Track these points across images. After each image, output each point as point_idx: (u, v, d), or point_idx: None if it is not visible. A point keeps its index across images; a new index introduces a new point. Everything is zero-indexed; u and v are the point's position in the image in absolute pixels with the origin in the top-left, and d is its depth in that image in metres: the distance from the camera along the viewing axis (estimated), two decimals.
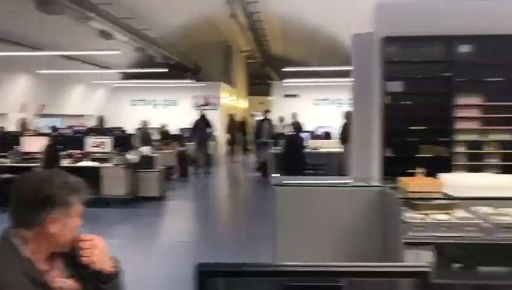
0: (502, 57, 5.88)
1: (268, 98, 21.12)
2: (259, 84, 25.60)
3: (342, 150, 10.49)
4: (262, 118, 14.28)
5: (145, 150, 9.75)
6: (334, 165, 11.02)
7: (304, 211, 3.69)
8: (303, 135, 10.98)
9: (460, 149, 6.05)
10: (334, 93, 17.87)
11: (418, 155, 6.02)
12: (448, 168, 5.83)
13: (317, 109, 18.26)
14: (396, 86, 6.03)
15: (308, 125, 14.49)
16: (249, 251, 5.96)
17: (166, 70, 15.21)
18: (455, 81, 5.89)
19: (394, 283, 1.05)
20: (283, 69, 17.28)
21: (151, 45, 13.11)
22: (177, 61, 15.83)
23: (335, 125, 12.96)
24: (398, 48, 6.03)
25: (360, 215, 3.74)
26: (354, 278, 1.00)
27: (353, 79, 7.19)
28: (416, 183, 3.44)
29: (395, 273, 1.03)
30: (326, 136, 13.57)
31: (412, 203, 3.33)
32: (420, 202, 3.27)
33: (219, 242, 6.83)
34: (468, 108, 5.97)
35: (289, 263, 0.98)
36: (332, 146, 11.45)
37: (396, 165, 5.50)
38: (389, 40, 5.97)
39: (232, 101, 21.26)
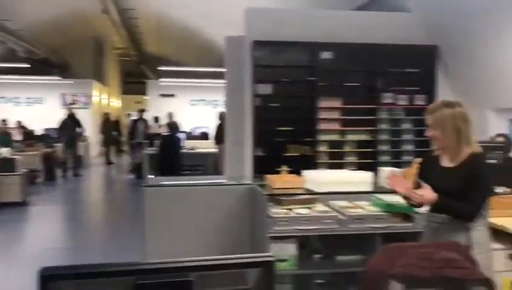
0: (359, 64, 6.47)
1: (145, 97, 20.62)
2: (134, 83, 24.85)
3: (217, 150, 10.65)
4: (136, 117, 13.90)
5: (4, 151, 8.94)
6: (211, 165, 11.14)
7: (174, 211, 3.70)
8: (179, 135, 10.93)
9: (323, 148, 6.54)
10: (211, 94, 18.05)
11: (286, 154, 6.38)
12: (313, 165, 6.27)
13: (194, 109, 18.28)
14: (265, 89, 6.31)
15: (185, 125, 14.44)
16: (122, 254, 5.79)
17: (29, 65, 14.07)
18: (318, 85, 6.35)
19: (242, 273, 1.12)
20: (159, 68, 17.04)
21: (11, 38, 12.05)
22: (43, 56, 14.73)
23: (212, 125, 13.10)
24: (267, 52, 6.32)
25: (230, 213, 3.85)
26: (203, 271, 1.06)
27: (226, 81, 7.38)
28: (281, 180, 3.65)
29: (242, 265, 1.10)
30: (203, 136, 13.67)
31: (277, 199, 3.53)
32: (284, 198, 3.48)
33: (90, 247, 6.52)
34: (329, 110, 6.47)
35: (138, 262, 1.00)
36: (209, 146, 11.56)
37: (266, 164, 5.77)
38: (258, 44, 6.23)
39: (104, 99, 20.36)
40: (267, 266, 1.12)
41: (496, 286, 2.04)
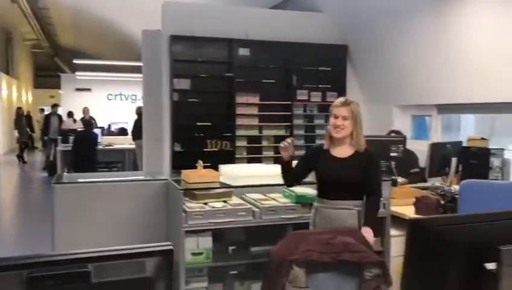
0: (275, 61, 6.66)
1: (60, 91, 19.66)
2: (48, 76, 23.58)
3: (135, 146, 10.44)
4: (50, 112, 13.25)
5: None
6: (130, 161, 10.89)
7: (84, 208, 3.61)
8: (95, 131, 10.58)
9: (242, 143, 6.66)
10: (129, 89, 17.61)
11: (205, 149, 6.41)
12: (232, 160, 6.37)
13: (111, 104, 17.74)
14: (183, 84, 6.30)
15: (102, 121, 13.99)
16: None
17: None
18: (236, 81, 6.45)
19: (142, 262, 1.16)
20: (75, 61, 16.31)
21: None
22: None
23: (130, 121, 12.80)
24: (184, 47, 6.31)
25: (145, 209, 3.83)
26: (101, 262, 1.08)
27: (143, 75, 7.27)
28: (196, 175, 3.69)
29: (140, 254, 1.14)
30: (121, 132, 13.31)
31: (192, 193, 3.56)
32: (199, 192, 3.52)
33: None
34: (247, 106, 6.60)
35: (32, 254, 1.01)
36: (127, 142, 11.30)
37: (185, 159, 5.77)
38: (176, 39, 6.21)
39: (14, 93, 19.15)
40: (166, 255, 1.16)
41: (389, 268, 2.22)
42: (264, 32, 6.45)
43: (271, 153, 6.75)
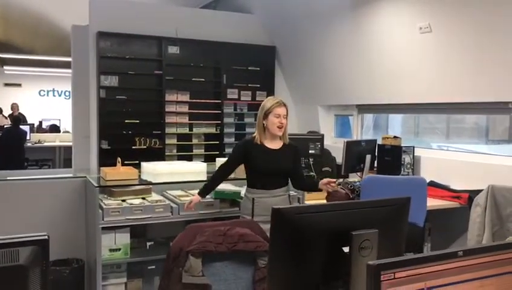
0: (205, 60, 6.75)
1: None
2: None
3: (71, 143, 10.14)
4: None
5: None
6: (61, 158, 10.59)
7: (1, 206, 3.55)
8: (23, 128, 10.21)
9: (172, 141, 6.69)
10: (63, 85, 17.00)
11: (134, 147, 6.40)
12: (161, 158, 6.39)
13: (43, 100, 17.08)
14: (111, 81, 6.25)
15: (33, 117, 13.49)
16: None
17: None
18: (165, 79, 6.48)
19: (17, 251, 1.23)
20: (1, 56, 15.55)
21: None
22: None
23: (63, 118, 12.44)
24: (112, 44, 6.26)
25: (64, 206, 3.82)
26: None
27: (72, 71, 7.12)
28: (114, 172, 3.72)
29: (15, 244, 1.21)
30: (53, 129, 12.90)
31: (110, 190, 3.60)
32: (117, 189, 3.56)
33: None
34: (177, 104, 6.64)
35: None
36: (59, 139, 10.97)
37: (113, 157, 5.73)
38: (103, 35, 6.15)
39: None
40: (41, 245, 1.24)
41: None
42: (194, 31, 6.52)
43: (201, 151, 6.83)
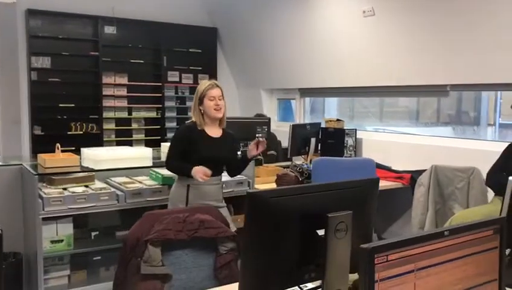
0: (143, 41, 6.49)
1: None
2: None
3: None
4: None
5: None
6: None
7: None
8: None
9: (110, 126, 6.41)
10: None
11: (69, 132, 6.07)
12: (99, 144, 6.11)
13: None
14: (43, 62, 5.86)
15: None
16: None
17: None
18: (102, 61, 6.17)
19: None
20: None
21: None
22: None
23: None
24: (43, 23, 5.86)
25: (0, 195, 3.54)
26: None
27: None
28: (53, 159, 3.48)
29: None
30: None
31: (50, 178, 3.37)
32: (57, 177, 3.34)
33: None
34: (115, 87, 6.36)
35: None
36: None
37: (47, 143, 5.42)
38: (33, 13, 5.75)
39: None
40: None
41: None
42: (132, 10, 6.25)
43: (142, 136, 6.61)
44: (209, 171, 2.88)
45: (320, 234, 1.46)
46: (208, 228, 2.08)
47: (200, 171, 2.84)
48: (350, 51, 5.08)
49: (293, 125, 4.94)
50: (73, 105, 6.05)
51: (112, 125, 6.42)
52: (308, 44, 5.56)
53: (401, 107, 5.79)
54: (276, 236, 1.40)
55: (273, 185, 3.97)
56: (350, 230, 1.46)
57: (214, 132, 3.03)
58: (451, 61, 4.07)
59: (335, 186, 1.48)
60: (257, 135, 3.04)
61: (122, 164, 3.86)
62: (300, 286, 1.53)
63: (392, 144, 4.85)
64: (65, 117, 6.02)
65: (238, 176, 3.83)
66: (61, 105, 5.98)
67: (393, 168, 4.65)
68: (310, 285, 1.57)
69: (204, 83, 3.08)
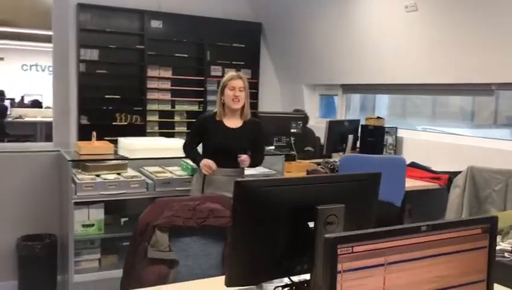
0: (188, 36, 6.60)
1: None
2: None
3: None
4: None
5: None
6: (42, 134, 10.41)
7: None
8: (3, 103, 10.01)
9: (153, 118, 6.58)
10: (46, 60, 16.67)
11: (114, 123, 6.28)
12: (142, 135, 6.29)
13: (26, 75, 16.74)
14: (92, 54, 6.10)
15: (15, 92, 13.22)
16: None
17: None
18: (147, 54, 6.33)
19: None
20: None
21: None
22: None
23: (45, 93, 12.21)
24: (93, 16, 6.09)
25: (39, 179, 3.73)
26: None
27: (53, 45, 6.93)
28: (89, 146, 3.62)
29: None
30: (35, 104, 12.68)
31: (84, 165, 3.51)
32: (91, 164, 3.48)
33: None
34: (159, 80, 6.51)
35: None
36: (41, 115, 10.78)
37: (92, 133, 5.62)
38: (83, 7, 5.98)
39: None
40: None
41: None
42: (178, 5, 6.36)
43: (184, 129, 6.73)
44: (214, 166, 2.92)
45: (311, 226, 1.44)
46: (217, 217, 2.09)
47: (206, 165, 2.90)
48: (391, 47, 4.94)
49: (329, 121, 4.88)
50: (118, 97, 6.26)
51: (156, 118, 6.59)
52: (350, 39, 5.46)
53: (454, 107, 5.54)
54: (266, 227, 1.39)
55: None
56: (342, 224, 1.42)
57: (233, 122, 3.05)
58: (495, 59, 3.86)
59: (329, 179, 1.45)
60: (238, 156, 3.00)
61: (155, 153, 3.96)
62: (291, 277, 1.51)
63: (435, 144, 4.68)
64: (110, 108, 6.23)
65: (266, 170, 3.83)
66: (107, 96, 6.19)
67: (433, 168, 4.48)
68: (304, 276, 1.55)
69: (229, 74, 3.12)
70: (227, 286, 1.41)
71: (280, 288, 1.52)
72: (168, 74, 6.53)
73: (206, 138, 3.07)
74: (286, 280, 1.53)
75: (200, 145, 3.24)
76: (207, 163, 2.97)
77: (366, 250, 0.99)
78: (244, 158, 2.99)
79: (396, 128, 5.04)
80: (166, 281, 1.92)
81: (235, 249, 1.39)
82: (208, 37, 6.65)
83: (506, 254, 2.08)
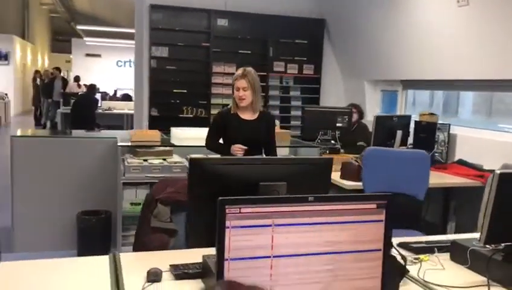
0: (252, 33, 6.89)
1: (71, 56, 20.15)
2: (65, 41, 24.06)
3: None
4: (54, 76, 13.74)
5: None
6: (128, 125, 11.29)
7: (44, 160, 4.01)
8: (96, 96, 11.02)
9: (217, 111, 6.94)
10: None
11: (181, 115, 6.75)
12: (206, 127, 6.68)
13: (120, 70, 18.16)
14: (162, 52, 6.61)
15: (110, 86, 14.43)
16: None
17: None
18: (212, 51, 6.72)
19: None
20: (79, 27, 16.61)
21: None
22: None
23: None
24: (164, 16, 6.58)
25: (98, 162, 4.23)
26: None
27: (135, 42, 7.58)
28: (140, 134, 4.04)
29: None
30: (125, 98, 13.74)
31: (135, 150, 3.93)
32: (140, 150, 3.88)
33: None
34: (223, 75, 6.87)
35: None
36: (127, 107, 11.68)
37: (161, 124, 6.12)
38: (155, 8, 6.49)
39: (28, 57, 19.69)
40: None
41: None
42: (242, 3, 6.67)
43: None
44: (243, 146, 3.08)
45: None
46: None
47: (236, 146, 3.07)
48: (444, 42, 4.84)
49: (377, 116, 4.88)
50: (185, 91, 6.72)
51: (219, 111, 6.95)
52: (406, 35, 5.41)
53: None
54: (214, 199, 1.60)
55: (337, 173, 4.04)
56: None
57: (248, 115, 3.21)
58: None
59: (273, 161, 1.63)
60: (232, 145, 3.12)
61: (200, 142, 4.28)
62: None
63: (487, 142, 4.54)
64: (178, 101, 6.71)
65: None
66: (175, 90, 6.68)
67: (484, 167, 4.35)
68: None
69: (237, 72, 3.25)
70: (188, 248, 1.65)
71: None
72: (232, 69, 6.85)
73: (226, 131, 3.21)
74: None
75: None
76: (237, 145, 3.10)
77: (254, 212, 1.18)
78: (236, 148, 3.06)
79: (449, 124, 4.92)
80: (167, 248, 2.21)
81: (190, 221, 1.62)
82: (271, 34, 6.88)
83: None
